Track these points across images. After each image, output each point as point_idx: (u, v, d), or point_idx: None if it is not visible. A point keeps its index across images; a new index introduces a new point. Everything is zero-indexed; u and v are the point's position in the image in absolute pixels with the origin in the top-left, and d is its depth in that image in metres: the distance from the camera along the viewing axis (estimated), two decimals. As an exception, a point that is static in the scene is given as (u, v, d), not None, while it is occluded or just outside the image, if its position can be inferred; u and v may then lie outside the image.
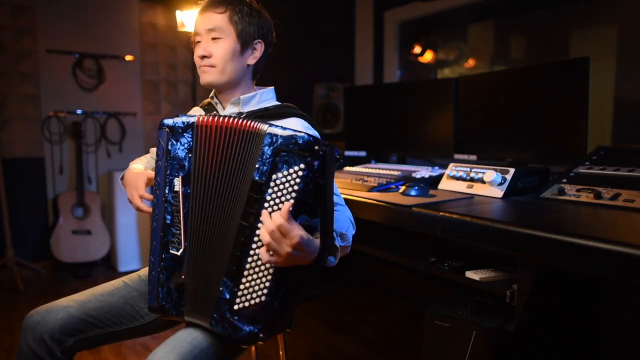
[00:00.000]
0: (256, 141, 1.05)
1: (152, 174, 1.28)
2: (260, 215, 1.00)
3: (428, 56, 3.82)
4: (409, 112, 2.18)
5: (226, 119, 1.10)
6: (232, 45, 1.29)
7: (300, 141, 0.99)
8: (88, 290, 1.29)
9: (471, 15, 3.54)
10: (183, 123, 1.12)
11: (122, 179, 1.38)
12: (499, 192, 1.51)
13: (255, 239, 1.02)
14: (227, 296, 1.04)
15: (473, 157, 1.94)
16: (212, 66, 1.29)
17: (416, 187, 1.56)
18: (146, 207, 1.24)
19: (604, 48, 2.82)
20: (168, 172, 1.11)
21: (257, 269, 1.02)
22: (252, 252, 1.02)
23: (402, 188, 1.61)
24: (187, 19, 3.33)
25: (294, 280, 1.05)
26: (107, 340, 1.26)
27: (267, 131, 1.04)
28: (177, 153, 1.11)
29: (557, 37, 3.05)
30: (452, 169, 1.71)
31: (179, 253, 1.11)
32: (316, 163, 0.98)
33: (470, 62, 3.59)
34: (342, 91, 2.80)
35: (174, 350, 1.03)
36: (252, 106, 1.35)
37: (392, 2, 3.84)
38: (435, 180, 1.76)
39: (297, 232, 0.95)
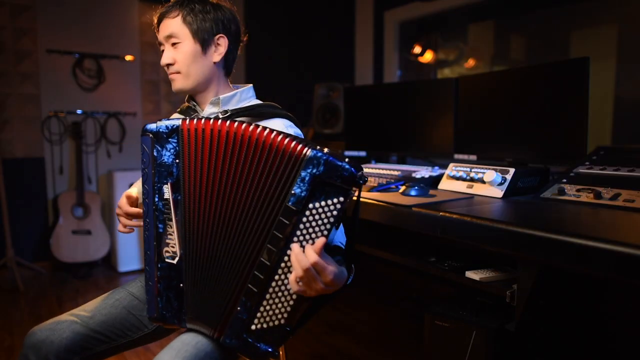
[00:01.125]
0: (295, 164, 0.97)
1: (130, 192, 1.29)
2: (290, 241, 0.97)
3: (428, 56, 3.82)
4: (409, 112, 2.18)
5: (228, 123, 1.04)
6: (191, 47, 1.25)
7: (346, 174, 0.94)
8: (90, 303, 1.27)
9: (471, 15, 3.54)
10: (167, 127, 1.07)
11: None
12: (499, 192, 1.51)
13: (282, 264, 0.98)
14: (245, 316, 1.02)
15: (473, 157, 1.93)
16: (178, 72, 1.27)
17: (416, 187, 1.56)
18: (133, 222, 1.26)
19: (604, 48, 2.82)
20: (156, 179, 1.07)
21: (279, 294, 1.00)
22: (277, 277, 0.99)
23: (402, 188, 1.61)
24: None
25: (314, 303, 1.05)
26: (113, 353, 1.25)
27: (309, 156, 0.96)
28: (164, 159, 1.07)
29: (557, 37, 3.05)
30: (452, 169, 1.71)
31: (175, 261, 1.08)
32: (353, 193, 0.96)
33: (470, 62, 3.59)
34: (342, 91, 2.80)
35: (179, 354, 1.03)
36: (232, 105, 1.31)
37: (392, 2, 3.84)
38: (435, 180, 1.76)
39: (331, 268, 0.93)
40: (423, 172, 1.85)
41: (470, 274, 1.30)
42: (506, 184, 1.51)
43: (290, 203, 0.96)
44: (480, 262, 1.37)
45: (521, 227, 1.06)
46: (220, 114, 1.27)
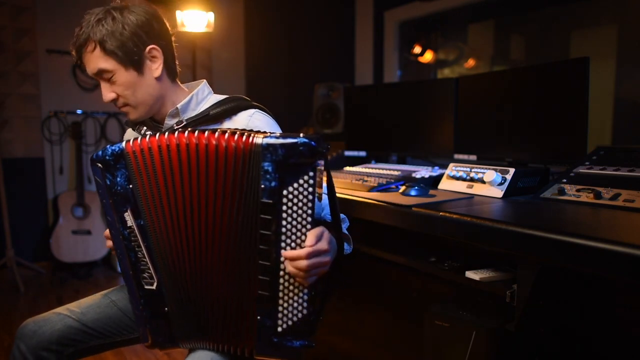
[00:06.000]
0: (253, 159, 0.95)
1: None
2: (280, 234, 0.96)
3: (428, 56, 3.82)
4: (409, 112, 2.17)
5: (176, 134, 0.99)
6: (126, 76, 1.13)
7: (304, 149, 0.92)
8: (84, 300, 1.27)
9: (471, 15, 3.54)
10: (112, 154, 1.02)
11: None
12: (499, 192, 1.50)
13: (282, 259, 0.97)
14: (268, 322, 1.01)
15: (473, 157, 1.93)
16: (127, 104, 1.17)
17: (416, 187, 1.56)
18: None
19: (604, 48, 2.82)
20: (115, 208, 1.04)
21: (291, 287, 1.00)
22: (282, 273, 0.98)
23: (402, 188, 1.61)
24: (187, 19, 3.33)
25: (325, 280, 1.05)
26: (109, 348, 1.26)
27: (263, 145, 0.93)
28: (118, 187, 1.03)
29: (557, 37, 3.05)
30: (452, 169, 1.71)
31: (154, 287, 1.07)
32: (320, 163, 0.94)
33: (470, 62, 3.59)
34: (342, 91, 2.80)
35: None
36: (192, 110, 1.22)
37: (392, 2, 3.84)
38: (435, 180, 1.76)
39: (326, 236, 0.98)
40: (423, 172, 1.85)
41: (470, 274, 1.30)
42: (506, 184, 1.51)
43: (264, 199, 0.95)
44: (480, 262, 1.37)
45: (521, 227, 1.06)
46: (175, 125, 1.19)
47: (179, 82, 1.27)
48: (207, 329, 1.07)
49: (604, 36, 2.85)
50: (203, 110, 1.21)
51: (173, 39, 1.24)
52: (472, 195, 1.55)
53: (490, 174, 1.52)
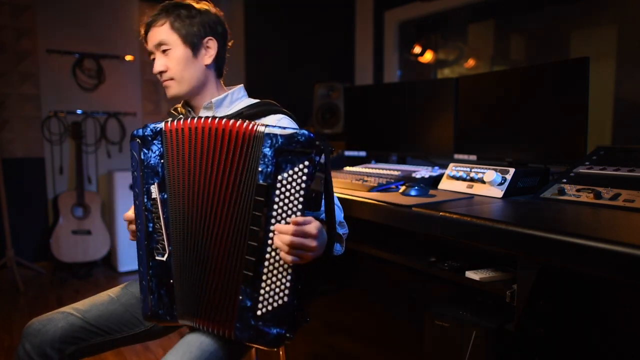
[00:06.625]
0: (255, 143, 1.04)
1: None
2: (270, 217, 1.01)
3: (428, 56, 3.82)
4: (409, 112, 2.18)
5: (202, 119, 1.10)
6: (182, 52, 1.28)
7: (302, 139, 1.00)
8: (88, 299, 1.30)
9: (471, 15, 3.54)
10: (151, 130, 1.13)
11: None
12: (499, 192, 1.51)
13: (270, 242, 1.02)
14: (249, 303, 1.04)
15: (473, 157, 1.93)
16: (172, 79, 1.30)
17: (416, 187, 1.56)
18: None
19: (604, 48, 2.82)
20: (144, 180, 1.12)
21: (275, 272, 1.03)
22: (267, 256, 1.02)
23: (402, 188, 1.61)
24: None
25: (309, 274, 1.07)
26: (109, 347, 1.27)
27: (265, 132, 1.03)
28: (150, 161, 1.12)
29: (557, 37, 3.05)
30: (452, 169, 1.71)
31: (164, 258, 1.12)
32: (318, 158, 1.00)
33: (470, 62, 3.59)
34: (342, 91, 2.80)
35: (184, 356, 1.04)
36: (225, 107, 1.34)
37: (392, 2, 3.84)
38: (435, 180, 1.76)
39: (313, 223, 0.99)
40: (423, 172, 1.85)
41: (470, 274, 1.30)
42: (506, 184, 1.51)
43: (260, 181, 1.02)
44: (480, 262, 1.37)
45: (521, 227, 1.06)
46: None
47: (222, 82, 1.41)
48: (201, 305, 1.10)
49: (604, 36, 2.85)
50: (237, 110, 1.32)
51: (229, 46, 1.39)
52: (472, 195, 1.55)
53: (490, 174, 1.52)
